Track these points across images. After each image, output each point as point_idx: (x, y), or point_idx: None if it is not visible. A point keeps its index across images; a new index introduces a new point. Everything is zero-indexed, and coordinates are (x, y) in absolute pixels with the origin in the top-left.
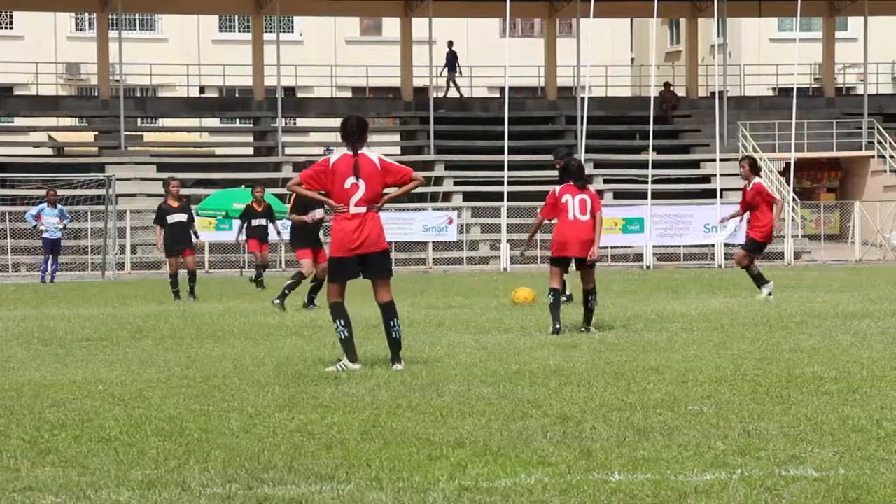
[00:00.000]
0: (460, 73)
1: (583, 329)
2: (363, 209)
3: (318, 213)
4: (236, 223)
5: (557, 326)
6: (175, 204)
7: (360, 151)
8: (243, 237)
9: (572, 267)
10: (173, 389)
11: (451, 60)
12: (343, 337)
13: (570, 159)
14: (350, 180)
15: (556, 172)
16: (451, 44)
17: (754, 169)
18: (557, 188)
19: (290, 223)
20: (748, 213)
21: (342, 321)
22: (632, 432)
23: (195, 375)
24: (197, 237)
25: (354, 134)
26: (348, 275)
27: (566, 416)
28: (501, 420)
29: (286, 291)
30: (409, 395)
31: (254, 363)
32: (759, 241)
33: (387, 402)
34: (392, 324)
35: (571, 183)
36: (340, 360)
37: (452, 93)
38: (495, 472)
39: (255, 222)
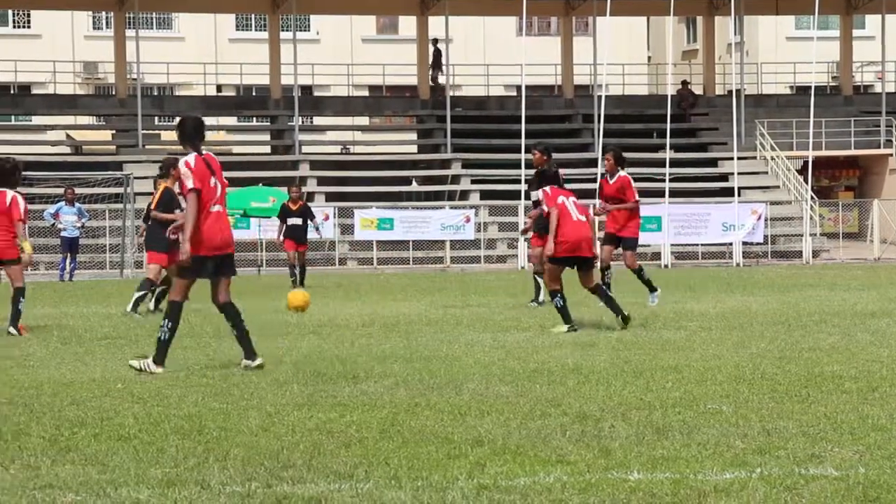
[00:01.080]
0: (442, 71)
1: (622, 323)
2: (220, 208)
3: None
4: (263, 222)
5: (575, 327)
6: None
7: (204, 152)
8: (282, 238)
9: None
10: (192, 388)
11: (436, 58)
12: (165, 338)
13: (553, 163)
14: (212, 179)
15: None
16: (435, 41)
17: (619, 161)
18: (548, 188)
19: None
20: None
21: (172, 323)
22: (651, 431)
23: (214, 374)
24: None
25: (194, 135)
26: (203, 274)
27: (585, 414)
28: (520, 419)
29: (138, 302)
30: (428, 394)
31: (272, 362)
32: (636, 238)
33: (405, 400)
34: (241, 319)
35: (556, 186)
36: (146, 359)
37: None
38: (514, 470)
39: (290, 221)
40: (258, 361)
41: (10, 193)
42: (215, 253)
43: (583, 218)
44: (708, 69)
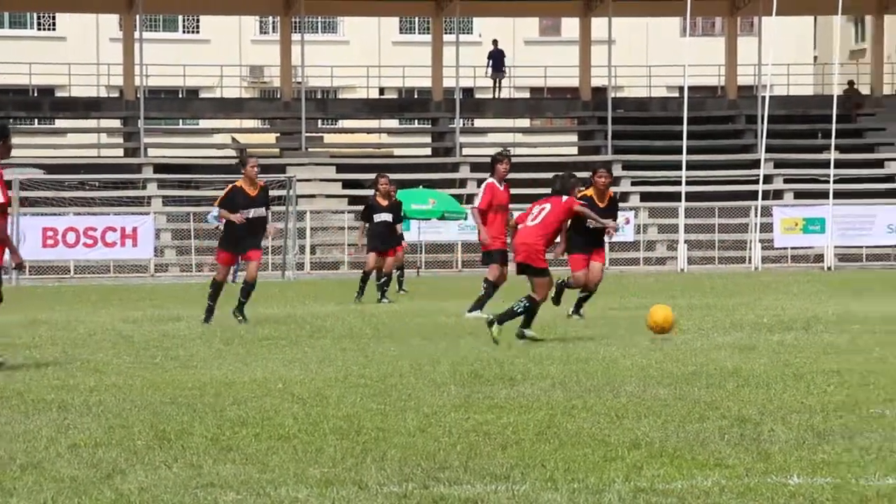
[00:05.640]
0: (505, 72)
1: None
2: None
3: (250, 212)
4: (422, 224)
5: (491, 317)
6: (383, 202)
7: None
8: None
9: None
10: (351, 388)
11: (497, 59)
12: None
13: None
14: None
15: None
16: (496, 42)
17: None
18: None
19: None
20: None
21: None
22: (811, 435)
23: (372, 374)
24: (402, 238)
25: None
26: None
27: (744, 418)
28: (678, 421)
29: (211, 304)
30: (585, 396)
31: (430, 363)
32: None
33: (562, 402)
34: None
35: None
36: None
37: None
38: (671, 473)
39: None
40: None
41: None
42: None
43: (531, 223)
44: (876, 69)
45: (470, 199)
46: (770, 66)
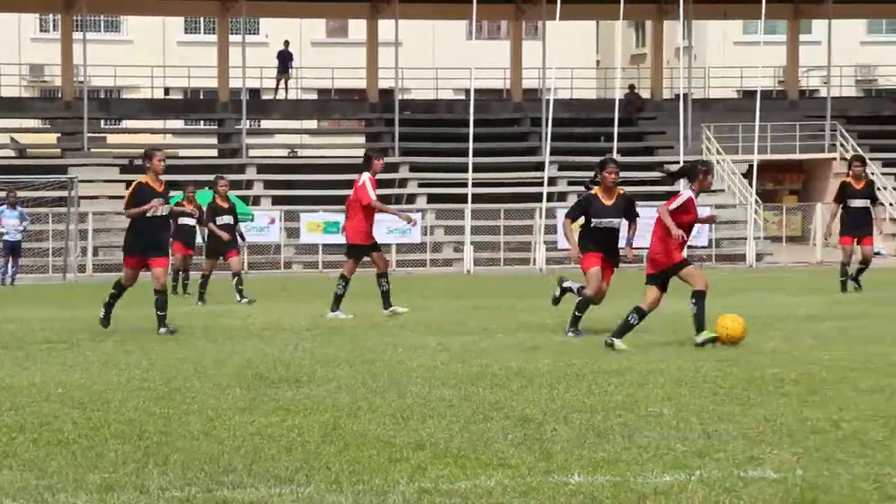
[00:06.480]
0: (290, 74)
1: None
2: None
3: (158, 210)
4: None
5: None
6: (224, 205)
7: None
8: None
9: None
10: (133, 392)
11: (285, 60)
12: None
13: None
14: None
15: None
16: (286, 44)
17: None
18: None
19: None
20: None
21: None
22: (592, 434)
23: (156, 378)
24: (243, 239)
25: None
26: None
27: (527, 418)
28: (462, 422)
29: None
30: (370, 398)
31: (214, 365)
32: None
33: (347, 404)
34: None
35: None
36: None
37: (282, 94)
38: (455, 474)
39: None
40: None
41: None
42: None
43: None
44: (656, 73)
45: (257, 200)
46: (554, 70)
